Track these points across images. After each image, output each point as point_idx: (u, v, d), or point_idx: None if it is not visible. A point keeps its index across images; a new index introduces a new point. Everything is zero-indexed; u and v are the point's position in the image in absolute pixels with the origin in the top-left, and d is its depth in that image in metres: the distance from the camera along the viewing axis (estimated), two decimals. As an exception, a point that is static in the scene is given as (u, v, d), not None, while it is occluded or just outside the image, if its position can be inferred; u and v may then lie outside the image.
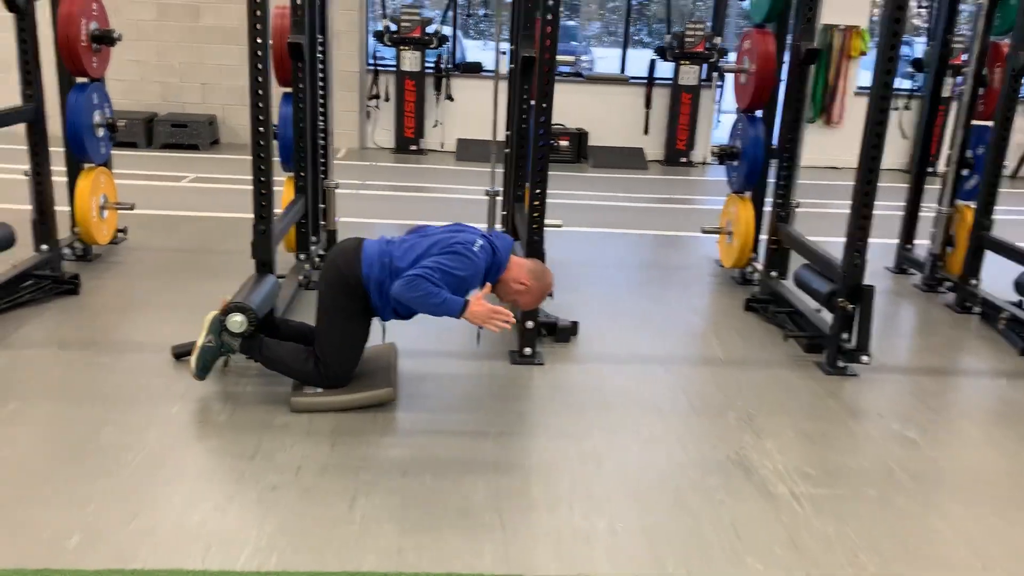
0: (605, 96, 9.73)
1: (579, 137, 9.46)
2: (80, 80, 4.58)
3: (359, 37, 9.30)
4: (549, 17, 4.85)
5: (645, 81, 9.61)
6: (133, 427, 2.96)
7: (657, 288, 4.95)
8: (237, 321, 3.14)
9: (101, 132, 4.68)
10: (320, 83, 4.61)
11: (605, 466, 2.88)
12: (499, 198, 4.77)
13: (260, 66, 3.32)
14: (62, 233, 4.65)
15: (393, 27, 9.00)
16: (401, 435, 3.03)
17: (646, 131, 9.74)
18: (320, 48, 4.57)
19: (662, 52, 9.35)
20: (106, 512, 2.45)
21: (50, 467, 2.69)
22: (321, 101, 4.65)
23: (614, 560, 2.38)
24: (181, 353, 3.48)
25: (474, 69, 9.72)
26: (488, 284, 3.12)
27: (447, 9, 9.67)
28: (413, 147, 9.41)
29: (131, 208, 4.96)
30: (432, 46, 9.18)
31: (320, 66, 4.58)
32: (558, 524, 2.53)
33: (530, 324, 3.69)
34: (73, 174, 4.68)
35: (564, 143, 9.28)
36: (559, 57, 4.86)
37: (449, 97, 9.43)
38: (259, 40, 3.28)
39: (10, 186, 4.79)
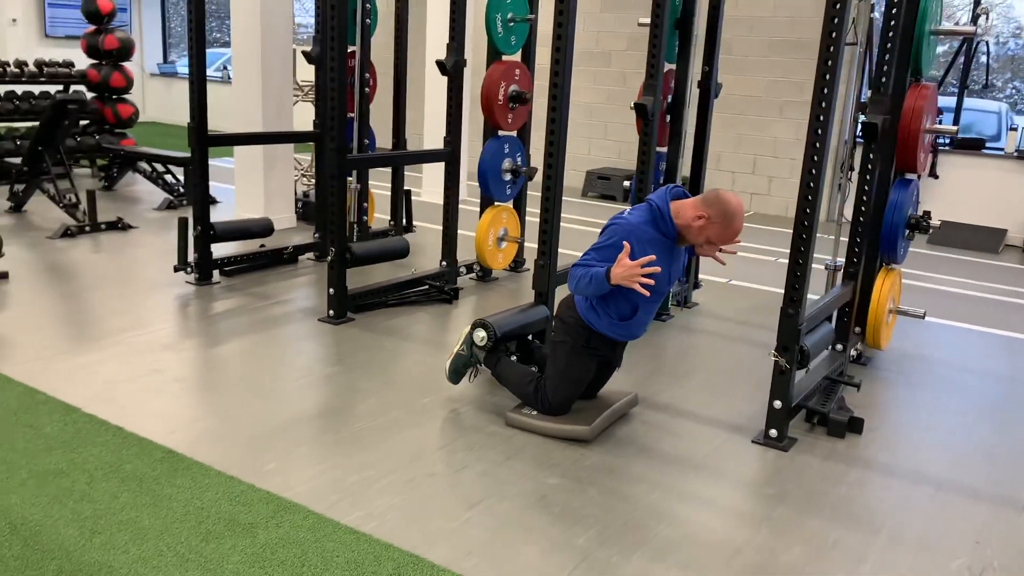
0: None
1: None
2: (502, 132, 5.55)
3: (846, 110, 8.99)
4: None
5: None
6: (387, 404, 3.63)
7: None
8: (480, 336, 3.60)
9: (507, 176, 5.57)
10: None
11: (738, 558, 2.61)
12: (839, 272, 4.37)
13: (555, 119, 3.75)
14: (470, 256, 5.69)
15: (877, 98, 8.52)
16: (575, 468, 3.13)
17: None
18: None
19: None
20: (308, 455, 3.13)
21: (319, 415, 3.48)
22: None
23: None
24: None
25: (974, 146, 8.62)
26: (626, 244, 3.04)
27: (945, 74, 8.77)
28: (880, 225, 8.71)
29: (522, 242, 5.79)
30: (920, 119, 8.42)
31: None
32: (622, 586, 2.43)
33: (778, 404, 3.40)
34: (483, 208, 5.67)
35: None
36: (937, 127, 4.32)
37: (933, 175, 8.53)
38: (556, 98, 3.72)
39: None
